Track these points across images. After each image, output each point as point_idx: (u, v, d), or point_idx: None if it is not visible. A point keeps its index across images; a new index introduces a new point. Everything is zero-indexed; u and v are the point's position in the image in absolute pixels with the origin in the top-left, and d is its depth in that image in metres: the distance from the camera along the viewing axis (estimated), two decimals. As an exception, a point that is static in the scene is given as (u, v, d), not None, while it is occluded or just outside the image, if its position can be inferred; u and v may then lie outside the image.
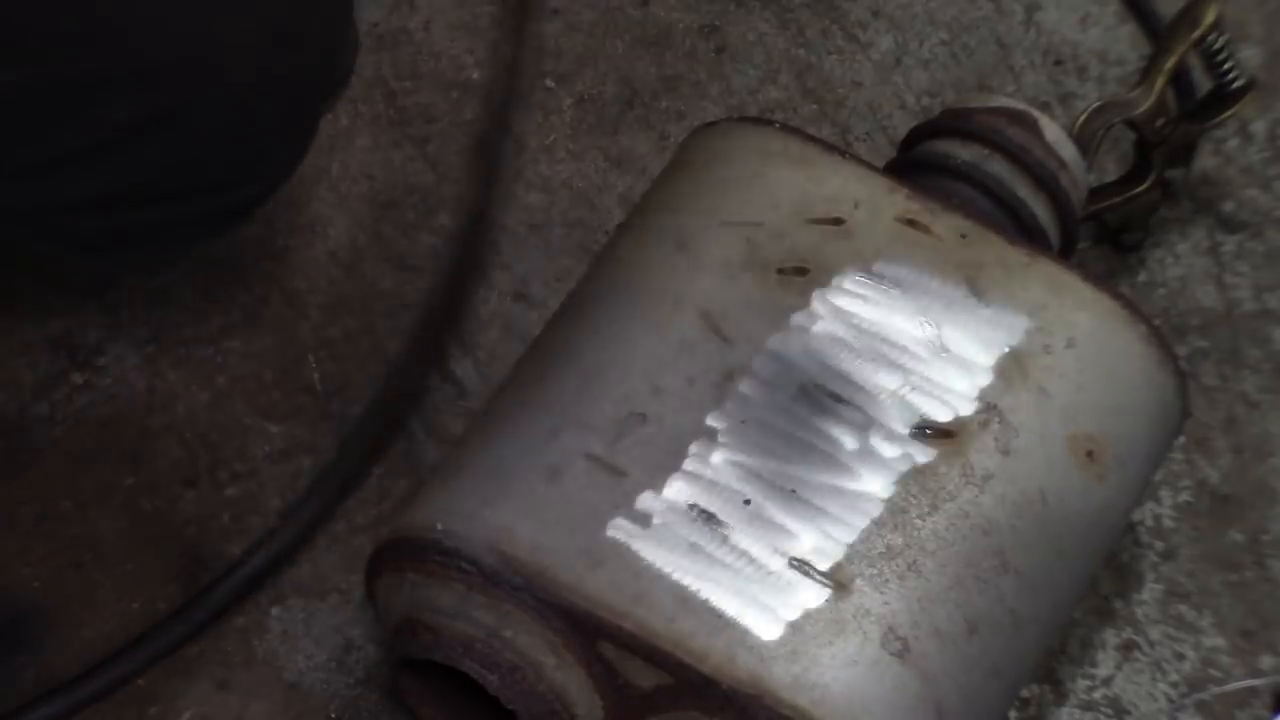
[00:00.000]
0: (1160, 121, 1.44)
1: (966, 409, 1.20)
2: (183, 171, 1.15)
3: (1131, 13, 1.61)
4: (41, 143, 1.10)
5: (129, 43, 1.08)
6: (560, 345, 1.24)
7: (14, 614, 1.35)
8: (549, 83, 1.56)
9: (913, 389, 1.20)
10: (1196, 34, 1.43)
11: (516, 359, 1.29)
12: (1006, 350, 1.22)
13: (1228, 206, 1.53)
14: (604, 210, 1.51)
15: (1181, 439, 1.38)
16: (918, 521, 1.16)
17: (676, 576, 1.14)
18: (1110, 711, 1.34)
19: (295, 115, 1.18)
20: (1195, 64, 1.48)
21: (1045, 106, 1.54)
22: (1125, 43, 1.60)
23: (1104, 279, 1.28)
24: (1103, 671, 1.35)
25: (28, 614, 1.35)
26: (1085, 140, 1.39)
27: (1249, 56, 1.58)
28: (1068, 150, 1.34)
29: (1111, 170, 1.52)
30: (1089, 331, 1.23)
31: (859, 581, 1.14)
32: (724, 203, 1.26)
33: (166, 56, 1.08)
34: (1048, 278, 1.24)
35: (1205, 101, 1.48)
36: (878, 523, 1.16)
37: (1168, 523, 1.40)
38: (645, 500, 1.16)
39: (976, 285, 1.24)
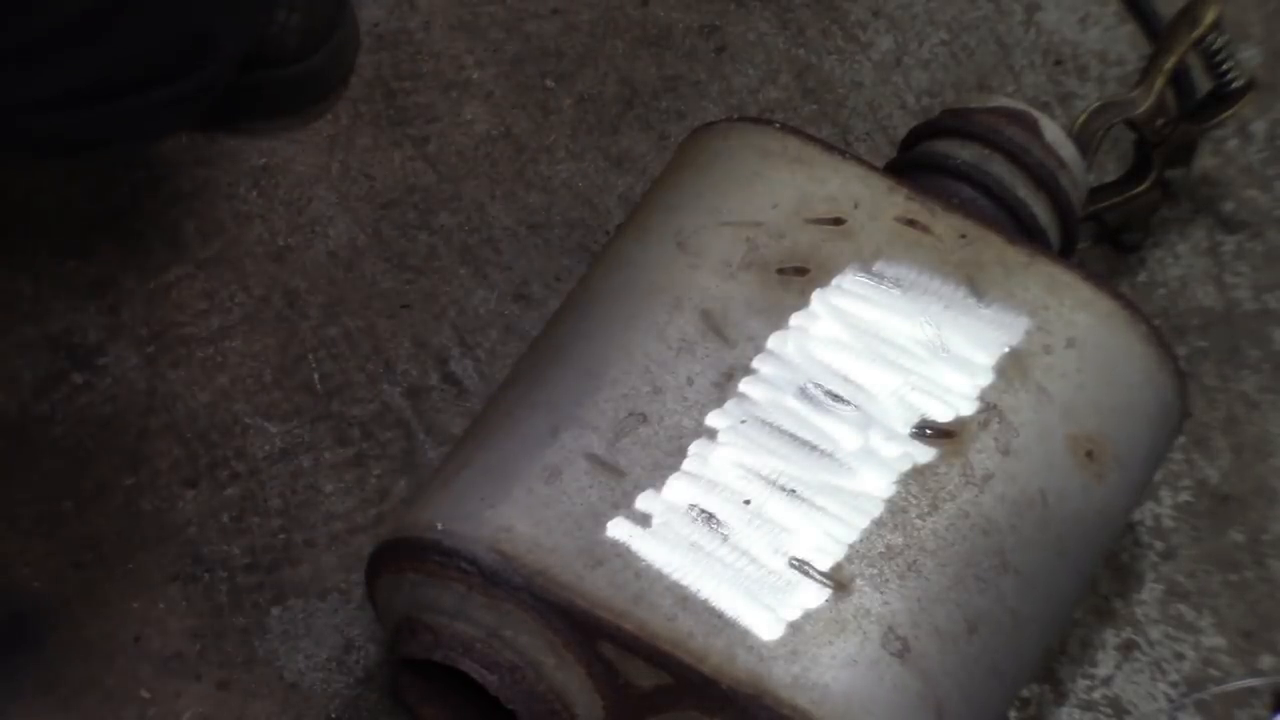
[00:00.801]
0: (1160, 121, 1.44)
1: (966, 409, 1.20)
2: (130, 62, 1.17)
3: (1131, 13, 1.61)
4: None
5: None
6: (560, 345, 1.24)
7: (14, 614, 1.35)
8: (549, 83, 1.56)
9: (913, 389, 1.20)
10: (1196, 34, 1.43)
11: (516, 359, 1.29)
12: (1006, 350, 1.22)
13: (1228, 206, 1.53)
14: (604, 210, 1.51)
15: (1181, 439, 1.38)
16: (918, 521, 1.16)
17: (676, 576, 1.14)
18: (1110, 711, 1.34)
19: (236, 32, 1.23)
20: (1195, 64, 1.48)
21: (1045, 106, 1.54)
22: (1125, 43, 1.60)
23: (1104, 279, 1.28)
24: (1103, 671, 1.35)
25: (28, 614, 1.35)
26: (1085, 140, 1.39)
27: (1249, 56, 1.58)
28: (1067, 150, 1.34)
29: (1111, 170, 1.52)
30: (1089, 331, 1.23)
31: (859, 581, 1.14)
32: (724, 203, 1.26)
33: None
34: (1048, 277, 1.24)
35: (1205, 101, 1.48)
36: (878, 522, 1.16)
37: (1168, 523, 1.40)
38: (645, 500, 1.16)
39: (976, 285, 1.24)
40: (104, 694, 1.33)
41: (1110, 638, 1.36)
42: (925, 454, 1.18)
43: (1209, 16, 1.44)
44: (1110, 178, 1.50)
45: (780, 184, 1.27)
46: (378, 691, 1.33)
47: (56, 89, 1.16)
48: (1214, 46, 1.45)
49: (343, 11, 1.53)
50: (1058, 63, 1.59)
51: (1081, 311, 1.24)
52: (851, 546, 1.15)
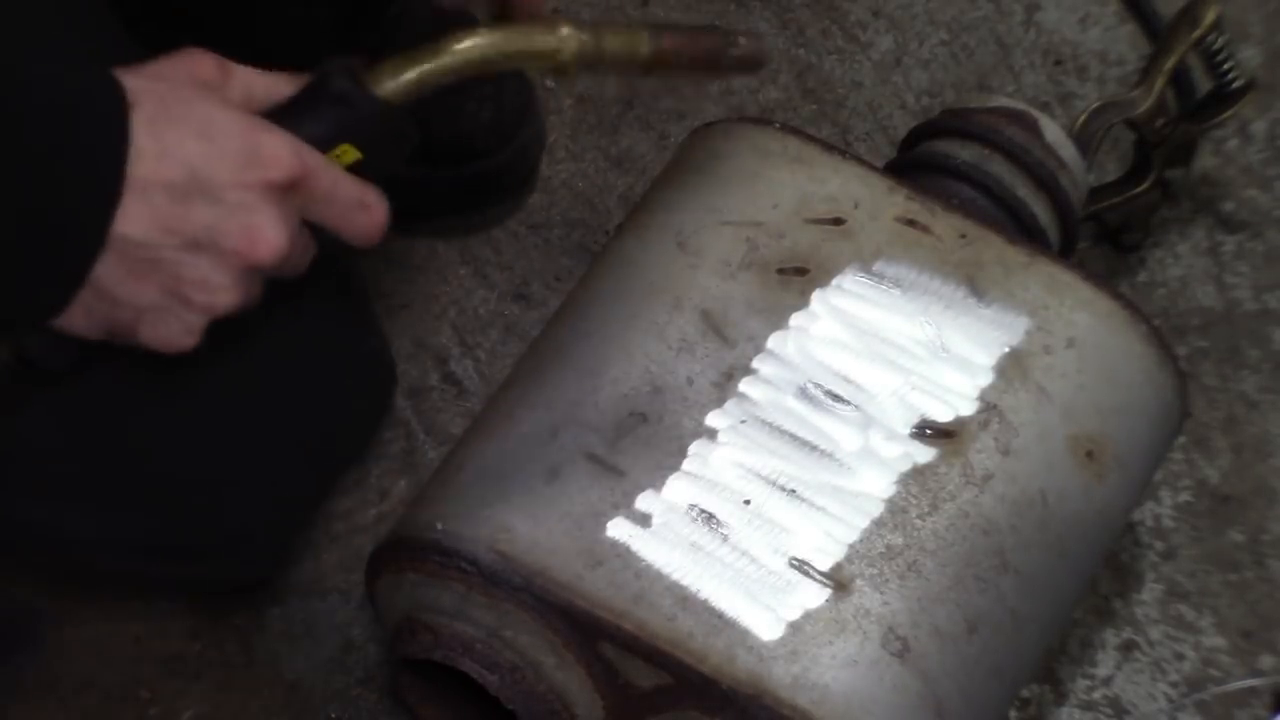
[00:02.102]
0: (1160, 122, 1.44)
1: (967, 409, 1.20)
2: (173, 542, 1.23)
3: (1131, 13, 1.61)
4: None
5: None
6: (560, 345, 1.24)
7: (14, 614, 1.35)
8: (549, 83, 1.56)
9: (913, 389, 1.20)
10: (1197, 34, 1.43)
11: (516, 359, 1.29)
12: (1006, 350, 1.22)
13: (1228, 206, 1.53)
14: (604, 210, 1.51)
15: (1181, 439, 1.38)
16: (918, 521, 1.16)
17: (676, 576, 1.14)
18: (1110, 711, 1.34)
19: (276, 531, 1.28)
20: (1195, 64, 1.48)
21: (1045, 106, 1.54)
22: (1125, 43, 1.60)
23: (1103, 279, 1.28)
24: (1103, 671, 1.35)
25: (28, 614, 1.35)
26: (1085, 140, 1.39)
27: (1249, 56, 1.58)
28: (1067, 150, 1.34)
29: (1111, 170, 1.52)
30: (1089, 331, 1.23)
31: (859, 581, 1.14)
32: (724, 203, 1.26)
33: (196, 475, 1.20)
34: (1048, 277, 1.24)
35: (1205, 101, 1.48)
36: (878, 522, 1.16)
37: (1168, 523, 1.40)
38: (645, 500, 1.16)
39: (976, 285, 1.24)
40: (104, 694, 1.33)
41: (1110, 638, 1.36)
42: (925, 454, 1.18)
43: (1209, 16, 1.44)
44: (1110, 178, 1.50)
45: (780, 184, 1.27)
46: (378, 691, 1.33)
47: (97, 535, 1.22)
48: (1214, 46, 1.45)
49: (531, 105, 1.48)
50: (1058, 63, 1.59)
51: (1081, 311, 1.24)
52: (851, 546, 1.15)
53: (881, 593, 1.14)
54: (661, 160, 1.45)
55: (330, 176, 1.05)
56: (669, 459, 1.18)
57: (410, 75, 1.06)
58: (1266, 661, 1.36)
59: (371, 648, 1.34)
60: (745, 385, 1.20)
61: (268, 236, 1.02)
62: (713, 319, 1.22)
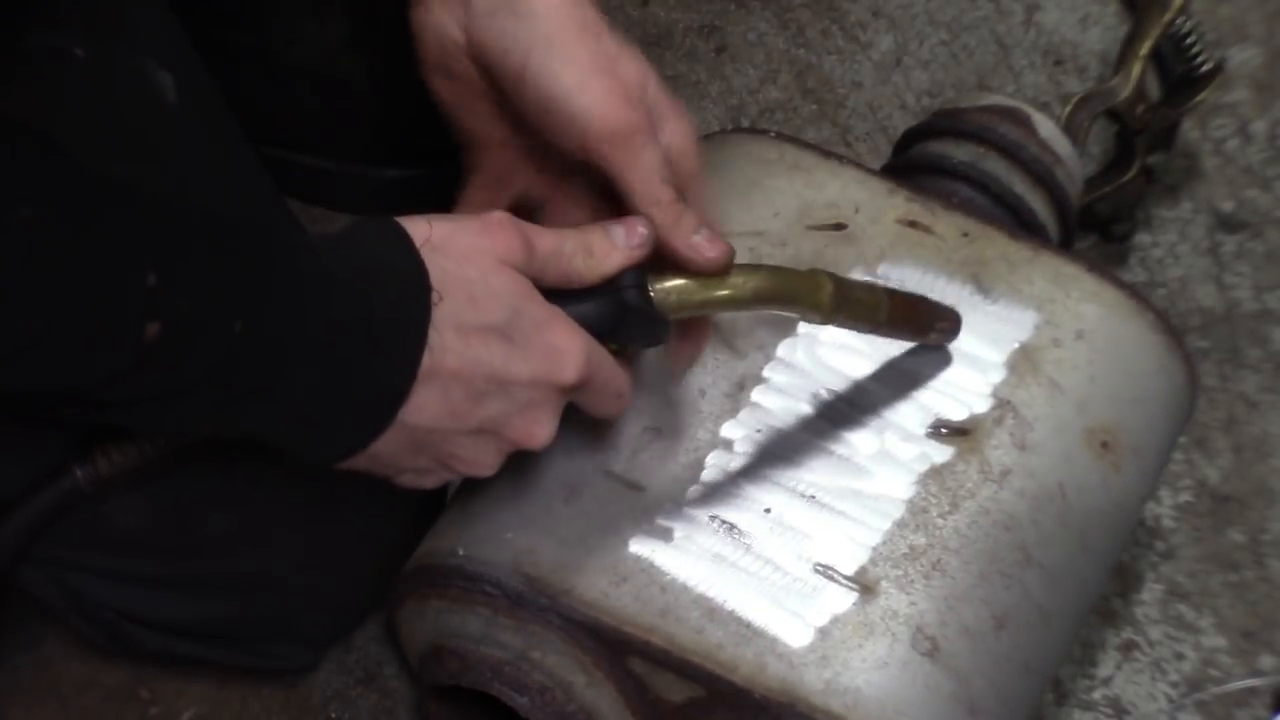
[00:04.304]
0: (1141, 108, 1.44)
1: (980, 406, 1.20)
2: (227, 633, 1.27)
3: (1131, 13, 1.60)
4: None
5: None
6: (569, 364, 1.24)
7: (14, 614, 1.34)
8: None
9: (925, 389, 1.21)
10: (1168, 17, 1.44)
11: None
12: (1016, 345, 1.22)
13: (1228, 206, 1.53)
14: (604, 210, 1.51)
15: (1182, 439, 1.37)
16: (939, 520, 1.16)
17: (702, 588, 1.14)
18: (1110, 711, 1.34)
19: (331, 631, 1.33)
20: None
21: (1045, 107, 1.54)
22: (1125, 42, 1.60)
23: (1107, 270, 1.28)
24: (1103, 671, 1.35)
25: (29, 614, 1.34)
26: (1073, 133, 1.39)
27: (1249, 57, 1.58)
28: (1062, 145, 1.35)
29: (1093, 162, 1.52)
30: (1097, 322, 1.24)
31: (884, 583, 1.14)
32: (724, 214, 1.26)
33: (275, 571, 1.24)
34: (1052, 271, 1.25)
35: (1176, 85, 1.49)
36: (899, 524, 1.16)
37: (1168, 523, 1.40)
38: (666, 514, 1.16)
39: (982, 282, 1.24)
40: (104, 694, 1.32)
41: (1110, 638, 1.36)
42: (942, 453, 1.18)
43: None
44: (1092, 170, 1.50)
45: (779, 192, 1.27)
46: (377, 691, 1.33)
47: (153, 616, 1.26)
48: (1182, 30, 1.46)
49: None
50: (1058, 63, 1.59)
51: (1088, 303, 1.24)
52: (875, 549, 1.15)
53: (908, 593, 1.14)
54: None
55: (605, 374, 1.08)
56: (686, 472, 1.18)
57: (696, 300, 1.10)
58: (1266, 661, 1.36)
59: (372, 647, 1.34)
60: (758, 394, 1.20)
61: (545, 430, 1.06)
62: (720, 330, 1.22)
